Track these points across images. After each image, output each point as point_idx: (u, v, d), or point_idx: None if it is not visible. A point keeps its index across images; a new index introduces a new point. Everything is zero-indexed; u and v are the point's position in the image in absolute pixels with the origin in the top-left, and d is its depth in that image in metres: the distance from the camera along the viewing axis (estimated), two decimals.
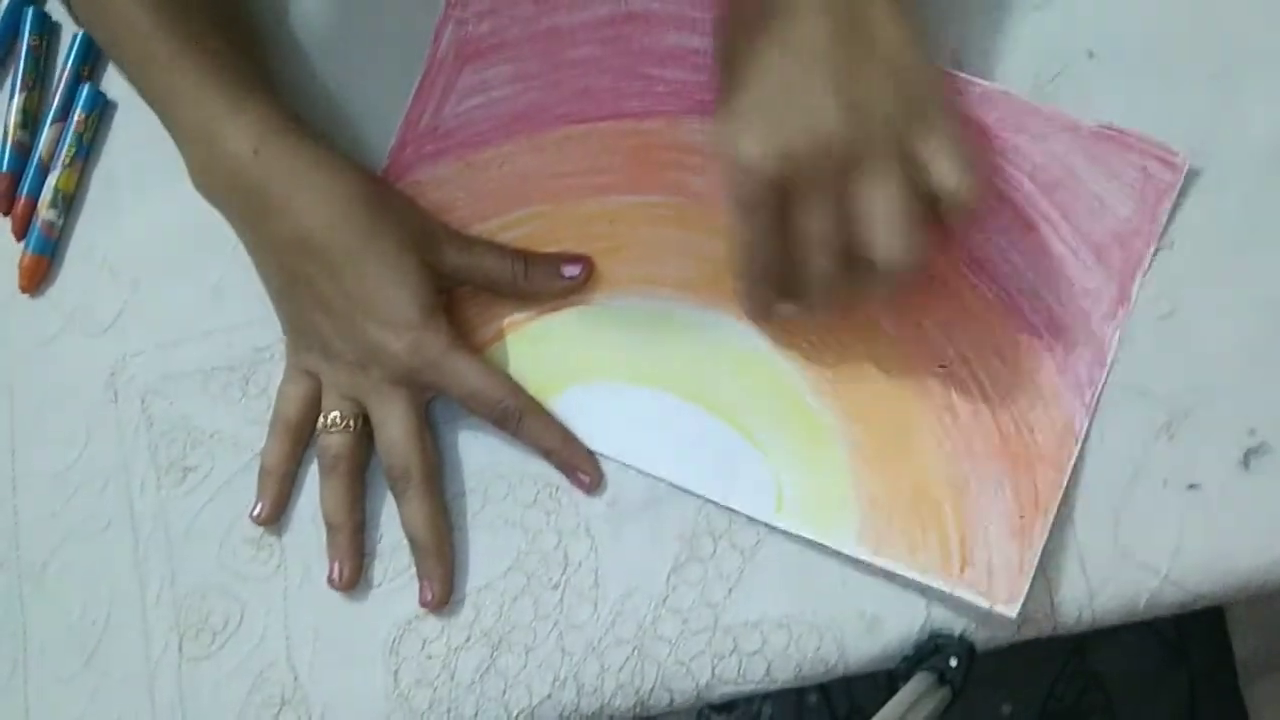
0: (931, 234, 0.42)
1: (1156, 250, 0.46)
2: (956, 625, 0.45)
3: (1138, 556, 0.45)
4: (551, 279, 0.49)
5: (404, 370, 0.47)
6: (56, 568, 0.53)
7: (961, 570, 0.45)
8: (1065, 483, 0.45)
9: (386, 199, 0.49)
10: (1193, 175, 0.47)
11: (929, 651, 0.45)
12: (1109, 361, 0.46)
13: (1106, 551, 0.45)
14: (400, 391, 0.48)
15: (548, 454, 0.49)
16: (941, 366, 0.47)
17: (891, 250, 0.40)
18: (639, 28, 0.51)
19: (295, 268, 0.48)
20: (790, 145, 0.40)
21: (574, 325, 0.50)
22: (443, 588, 0.48)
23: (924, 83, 0.42)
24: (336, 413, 0.49)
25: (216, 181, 0.49)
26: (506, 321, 0.50)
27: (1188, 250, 0.46)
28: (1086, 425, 0.45)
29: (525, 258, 0.49)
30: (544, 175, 0.51)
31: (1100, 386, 0.46)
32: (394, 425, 0.48)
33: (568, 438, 0.48)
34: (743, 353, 0.48)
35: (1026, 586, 0.44)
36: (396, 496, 0.49)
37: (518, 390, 0.48)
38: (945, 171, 0.41)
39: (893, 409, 0.47)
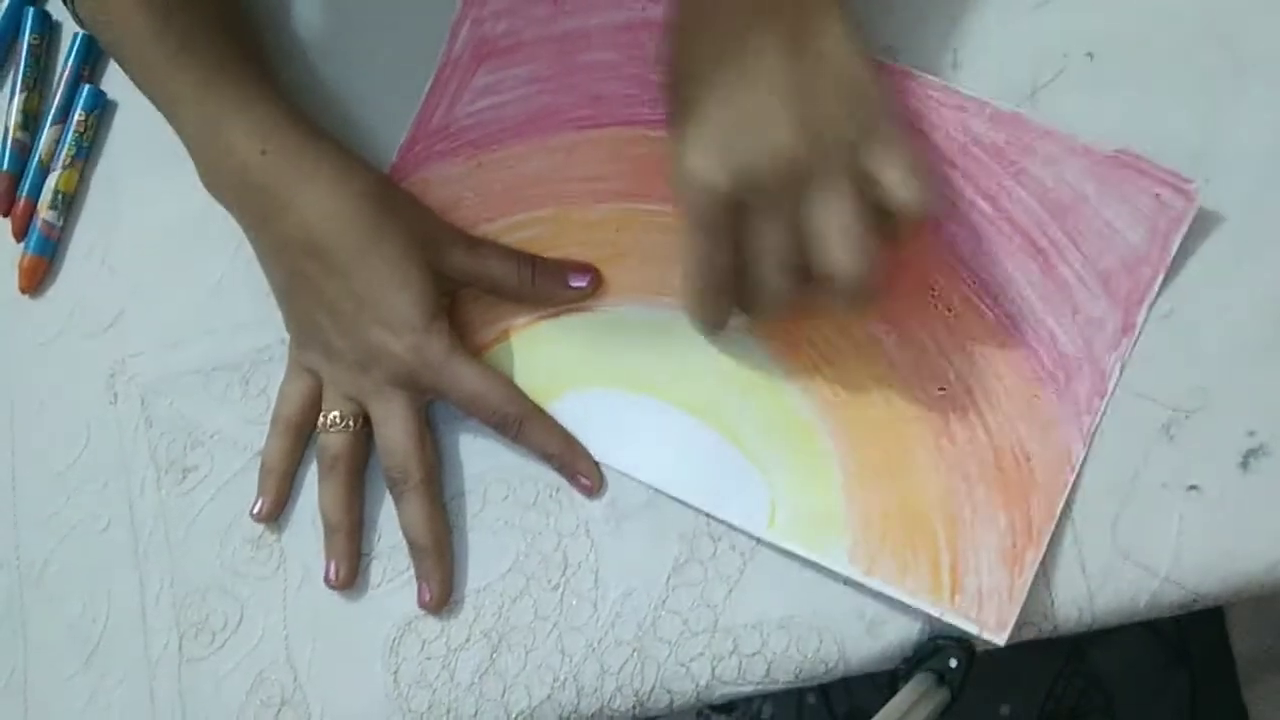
0: (889, 250, 0.42)
1: (1166, 279, 0.46)
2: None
3: (1137, 557, 0.45)
4: (558, 286, 0.49)
5: (405, 372, 0.47)
6: (56, 567, 0.53)
7: (952, 596, 0.45)
8: (1059, 511, 0.45)
9: (393, 199, 0.49)
10: (1192, 175, 0.46)
11: (928, 653, 0.45)
12: (1110, 390, 0.46)
13: (1106, 552, 0.45)
14: (400, 393, 0.48)
15: (549, 458, 0.49)
16: (941, 389, 0.46)
17: (844, 264, 0.40)
18: (655, 35, 0.50)
19: (299, 267, 0.48)
20: (744, 164, 0.40)
21: (576, 330, 0.50)
22: (441, 589, 0.48)
23: (873, 99, 0.42)
24: (336, 412, 0.49)
25: (224, 182, 0.49)
26: (509, 324, 0.50)
27: (1187, 251, 0.46)
28: (1084, 454, 0.45)
29: (533, 262, 0.49)
30: (553, 179, 0.51)
31: (1100, 415, 0.45)
32: (394, 426, 0.48)
33: (569, 442, 0.48)
34: (743, 366, 0.48)
35: (1015, 614, 0.44)
36: (395, 498, 0.49)
37: (518, 396, 0.48)
38: (895, 182, 0.41)
39: (890, 430, 0.46)
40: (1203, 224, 0.46)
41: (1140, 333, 0.46)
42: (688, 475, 0.47)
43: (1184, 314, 0.46)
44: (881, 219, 0.41)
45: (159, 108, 0.50)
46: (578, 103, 0.51)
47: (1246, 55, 0.47)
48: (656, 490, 0.48)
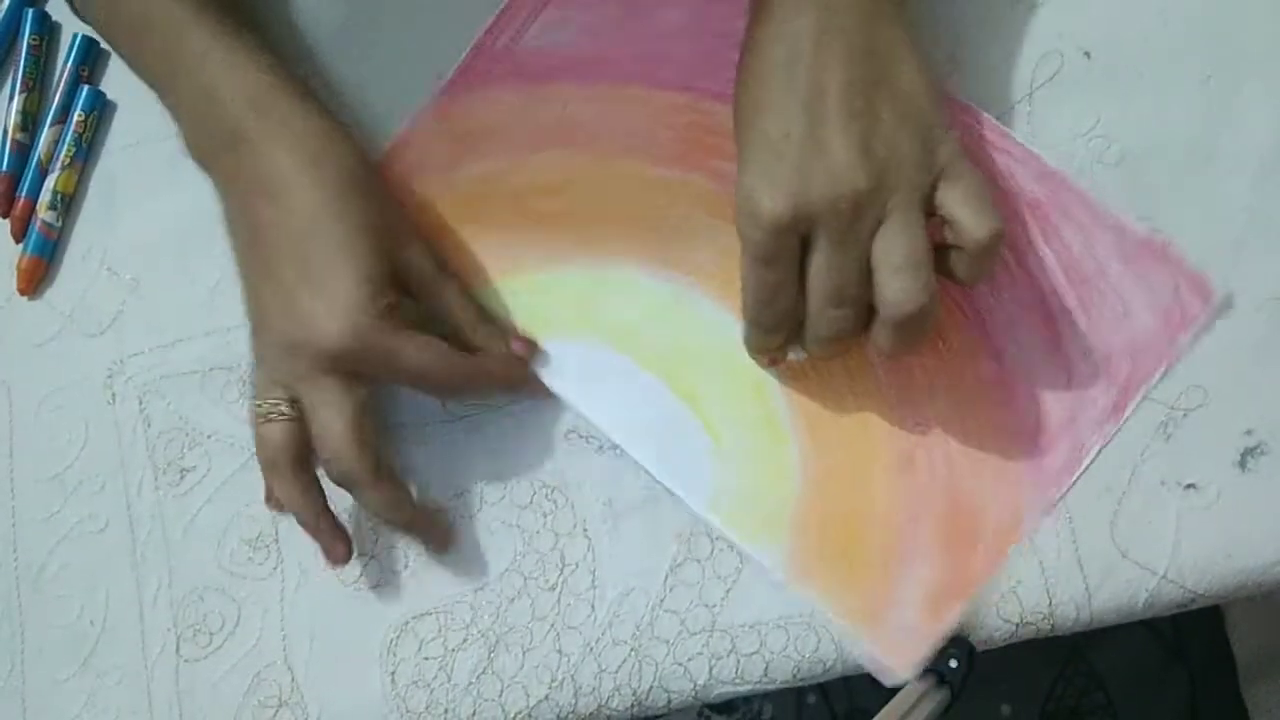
0: (944, 291, 0.41)
1: (1165, 374, 0.46)
2: None
3: (1135, 556, 0.45)
4: (497, 342, 0.48)
5: (334, 352, 0.44)
6: (54, 568, 0.53)
7: (870, 624, 0.45)
8: (994, 575, 0.45)
9: (368, 181, 0.48)
10: (1190, 175, 0.46)
11: None
12: (1083, 469, 0.45)
13: (1104, 551, 0.45)
14: (332, 380, 0.45)
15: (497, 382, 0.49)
16: (918, 422, 0.46)
17: (900, 295, 0.40)
18: (732, 9, 0.49)
19: (257, 216, 0.46)
20: (807, 196, 0.40)
21: (578, 283, 0.50)
22: (440, 546, 0.49)
23: (942, 133, 0.41)
24: (272, 399, 0.46)
25: (209, 146, 0.48)
26: (515, 264, 0.50)
27: (1185, 251, 0.46)
28: (1035, 528, 0.45)
29: (479, 313, 0.49)
30: (596, 126, 0.51)
31: (1065, 492, 0.45)
32: (326, 418, 0.45)
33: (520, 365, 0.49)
34: (734, 357, 0.48)
35: (922, 657, 0.44)
36: (348, 492, 0.46)
37: (459, 359, 0.47)
38: (971, 220, 0.40)
39: (859, 447, 0.47)
40: (1200, 222, 0.46)
41: (1126, 421, 0.45)
42: (646, 436, 0.48)
43: None
44: (940, 258, 0.41)
45: (151, 82, 0.49)
46: (638, 57, 0.51)
47: (1245, 54, 0.48)
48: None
